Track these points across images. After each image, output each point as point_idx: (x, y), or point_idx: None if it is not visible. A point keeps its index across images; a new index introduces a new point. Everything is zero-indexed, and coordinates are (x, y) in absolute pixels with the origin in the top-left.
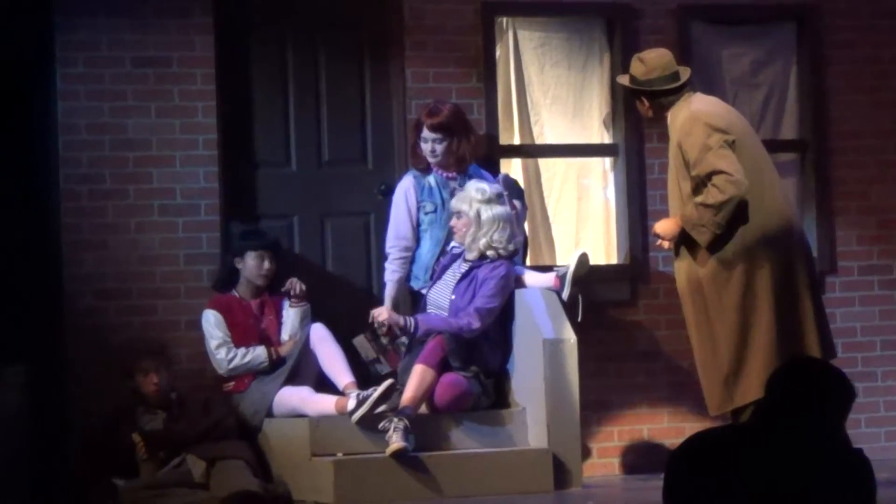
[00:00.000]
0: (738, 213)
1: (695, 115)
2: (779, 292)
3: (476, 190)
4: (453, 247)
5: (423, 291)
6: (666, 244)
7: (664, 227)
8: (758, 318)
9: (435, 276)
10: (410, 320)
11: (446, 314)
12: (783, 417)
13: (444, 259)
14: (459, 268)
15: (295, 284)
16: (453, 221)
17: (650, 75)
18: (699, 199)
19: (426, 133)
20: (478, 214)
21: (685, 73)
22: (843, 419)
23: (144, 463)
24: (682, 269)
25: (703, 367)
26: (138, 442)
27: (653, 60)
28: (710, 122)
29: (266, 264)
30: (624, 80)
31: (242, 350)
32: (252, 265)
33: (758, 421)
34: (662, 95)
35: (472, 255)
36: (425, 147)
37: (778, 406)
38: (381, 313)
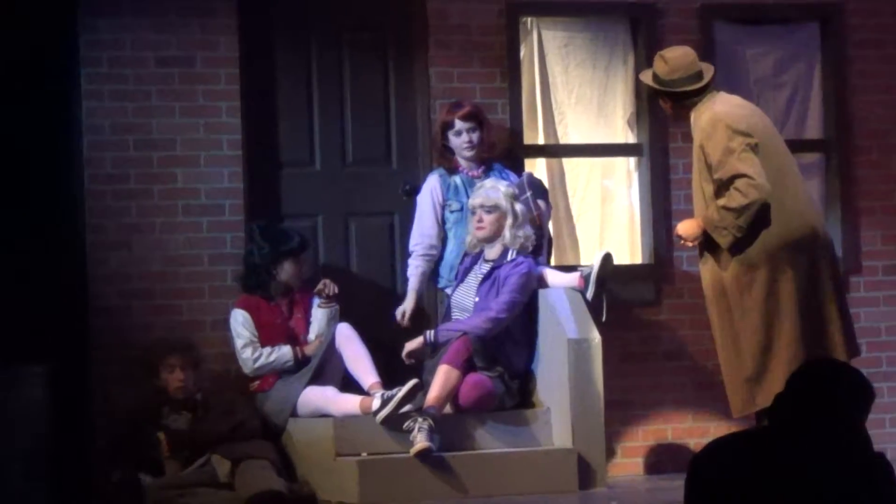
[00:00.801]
0: (760, 216)
1: (717, 117)
2: (802, 294)
3: (505, 185)
4: None
5: (448, 291)
6: (689, 244)
7: (686, 227)
8: (781, 319)
9: (458, 277)
10: (429, 334)
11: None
12: (801, 419)
13: (466, 260)
14: (481, 269)
15: (328, 286)
16: (481, 216)
17: (673, 76)
18: (721, 201)
19: (459, 125)
20: (512, 208)
21: (708, 72)
22: (863, 420)
23: (169, 462)
24: (707, 271)
25: (726, 369)
26: (162, 440)
27: (675, 60)
28: (733, 124)
29: (302, 267)
30: (647, 77)
31: (268, 349)
32: (291, 270)
33: (776, 423)
34: (685, 97)
35: (493, 253)
36: (459, 141)
37: (796, 407)
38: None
